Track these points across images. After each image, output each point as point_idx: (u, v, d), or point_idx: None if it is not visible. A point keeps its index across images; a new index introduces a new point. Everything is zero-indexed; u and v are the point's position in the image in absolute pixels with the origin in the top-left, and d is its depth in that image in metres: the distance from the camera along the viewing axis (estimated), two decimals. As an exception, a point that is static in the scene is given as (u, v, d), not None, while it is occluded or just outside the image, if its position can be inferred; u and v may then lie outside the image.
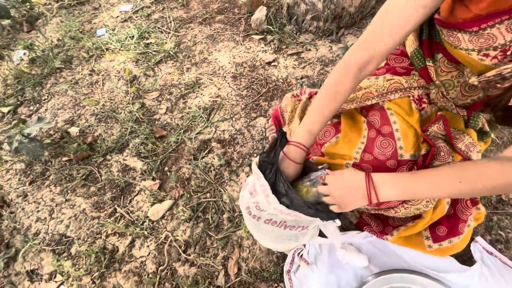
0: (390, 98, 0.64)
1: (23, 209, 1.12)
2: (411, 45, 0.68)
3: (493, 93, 0.56)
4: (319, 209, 0.61)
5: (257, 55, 1.53)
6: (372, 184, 0.55)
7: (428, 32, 0.64)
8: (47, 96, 1.54)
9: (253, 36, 1.64)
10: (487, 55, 0.50)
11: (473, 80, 0.55)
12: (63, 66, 1.67)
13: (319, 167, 0.69)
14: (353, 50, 0.56)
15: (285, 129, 0.97)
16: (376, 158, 0.63)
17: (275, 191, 0.64)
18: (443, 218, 0.69)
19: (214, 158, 1.14)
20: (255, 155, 1.13)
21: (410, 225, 0.69)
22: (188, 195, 1.05)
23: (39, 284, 0.94)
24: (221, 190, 1.05)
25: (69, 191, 1.14)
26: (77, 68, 1.65)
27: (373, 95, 0.67)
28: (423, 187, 0.52)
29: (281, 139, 0.67)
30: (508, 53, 0.47)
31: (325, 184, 0.63)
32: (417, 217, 0.69)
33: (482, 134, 0.71)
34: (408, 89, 0.64)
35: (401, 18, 0.48)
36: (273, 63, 1.48)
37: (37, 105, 1.51)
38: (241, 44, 1.62)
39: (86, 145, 1.26)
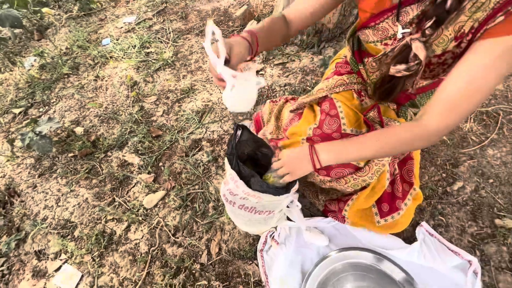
0: (336, 91, 0.80)
1: (32, 198, 1.26)
2: (347, 55, 0.84)
3: (385, 69, 0.69)
4: (277, 188, 0.75)
5: (247, 65, 1.69)
6: (314, 151, 0.68)
7: (358, 45, 0.80)
8: (56, 99, 1.69)
9: (244, 47, 1.81)
10: (386, 44, 0.66)
11: (372, 60, 0.72)
12: (70, 72, 1.83)
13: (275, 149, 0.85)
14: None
15: (263, 131, 1.13)
16: (324, 132, 0.77)
17: (241, 176, 0.78)
18: (385, 196, 0.84)
19: (203, 155, 1.29)
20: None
21: (355, 197, 0.83)
22: (179, 187, 1.19)
23: (46, 262, 1.07)
24: (208, 182, 1.19)
25: (73, 183, 1.28)
26: (83, 74, 1.81)
27: (324, 90, 0.83)
28: (353, 149, 0.65)
29: (236, 133, 0.82)
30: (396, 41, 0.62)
31: (279, 159, 0.77)
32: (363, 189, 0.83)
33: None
34: (350, 84, 0.80)
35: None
36: (260, 72, 1.64)
37: (46, 107, 1.66)
38: (232, 54, 1.78)
39: (90, 143, 1.40)
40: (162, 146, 1.35)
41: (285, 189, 0.77)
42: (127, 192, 1.22)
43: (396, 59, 0.61)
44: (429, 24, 0.52)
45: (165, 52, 1.86)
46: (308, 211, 1.05)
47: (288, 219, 0.97)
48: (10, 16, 2.01)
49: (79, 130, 1.49)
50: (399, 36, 0.59)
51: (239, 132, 0.91)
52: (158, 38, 1.98)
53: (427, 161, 1.10)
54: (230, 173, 0.80)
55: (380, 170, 0.76)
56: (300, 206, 0.83)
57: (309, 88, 1.47)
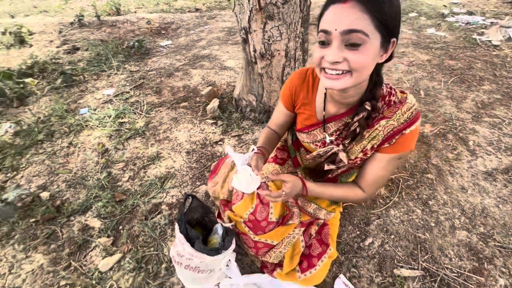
0: (271, 179, 1.07)
1: (-16, 265, 1.28)
2: (288, 141, 1.16)
3: (318, 162, 1.03)
4: (212, 249, 0.93)
5: (208, 136, 1.99)
6: (304, 185, 0.92)
7: (296, 136, 1.12)
8: (25, 164, 1.81)
9: (207, 120, 2.14)
10: (317, 145, 0.96)
11: (309, 156, 1.02)
12: (44, 139, 1.99)
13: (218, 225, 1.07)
14: (268, 125, 1.12)
15: (212, 187, 1.36)
16: (256, 219, 1.00)
17: (188, 238, 0.96)
18: (305, 257, 1.05)
19: (161, 219, 1.44)
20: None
21: (281, 269, 1.06)
22: (135, 249, 1.30)
23: (-13, 335, 1.06)
24: (163, 244, 1.32)
25: (31, 249, 1.33)
26: (57, 141, 1.98)
27: (263, 176, 1.09)
28: (323, 194, 0.95)
29: (185, 202, 1.04)
30: (326, 143, 0.94)
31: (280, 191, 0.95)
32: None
33: (333, 203, 1.14)
34: (280, 174, 1.07)
35: (277, 118, 1.07)
36: (219, 142, 1.93)
37: (14, 172, 1.76)
38: (197, 126, 2.08)
39: (54, 208, 1.50)
40: (124, 210, 1.48)
41: (219, 250, 0.96)
42: (84, 256, 1.30)
43: (327, 160, 0.95)
44: (347, 142, 0.85)
45: (137, 122, 2.12)
46: (250, 268, 1.20)
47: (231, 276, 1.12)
48: (-6, 88, 2.22)
49: (44, 195, 1.59)
50: (328, 141, 0.92)
51: (188, 201, 1.12)
52: (133, 110, 2.26)
53: (346, 220, 1.36)
54: (178, 236, 0.98)
55: (291, 242, 1.05)
56: (235, 264, 1.00)
57: (258, 157, 1.76)
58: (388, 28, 0.62)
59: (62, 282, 1.20)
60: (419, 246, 1.25)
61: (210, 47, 3.39)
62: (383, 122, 0.79)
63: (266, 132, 1.10)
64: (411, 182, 1.54)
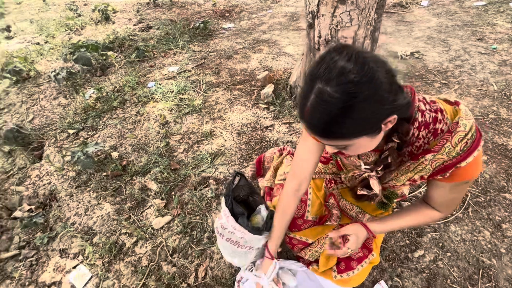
0: (313, 177, 1.04)
1: (67, 205, 1.55)
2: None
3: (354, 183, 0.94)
4: (254, 229, 0.96)
5: (260, 120, 2.01)
6: (368, 229, 0.84)
7: None
8: (102, 126, 2.09)
9: (260, 104, 2.16)
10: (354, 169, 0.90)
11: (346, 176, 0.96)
12: (118, 106, 2.26)
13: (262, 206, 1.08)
14: (288, 180, 0.91)
15: (263, 181, 1.38)
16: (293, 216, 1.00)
17: (233, 214, 1.01)
18: (344, 259, 1.01)
19: (208, 191, 1.53)
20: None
21: (317, 265, 1.02)
22: (184, 215, 1.42)
23: (66, 260, 1.30)
24: (208, 215, 1.41)
25: (101, 198, 1.56)
26: (128, 109, 2.23)
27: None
28: (390, 228, 0.85)
29: (240, 178, 1.07)
30: (361, 168, 0.85)
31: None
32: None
33: (383, 204, 1.06)
34: (324, 173, 1.04)
35: (304, 160, 0.86)
36: (269, 128, 1.94)
37: (94, 131, 2.05)
38: (250, 109, 2.12)
39: (121, 166, 1.71)
40: (177, 178, 1.62)
41: (260, 230, 0.98)
42: (142, 212, 1.47)
43: (360, 184, 0.87)
44: (379, 168, 0.76)
45: (195, 99, 2.25)
46: (286, 254, 1.22)
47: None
48: (84, 57, 2.58)
49: (115, 154, 1.82)
50: (362, 169, 0.84)
51: (237, 179, 1.17)
52: (193, 88, 2.41)
53: (396, 227, 1.26)
54: (224, 209, 1.04)
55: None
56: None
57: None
58: (368, 128, 0.55)
59: (123, 230, 1.39)
60: (481, 271, 1.10)
61: (270, 32, 3.36)
62: (429, 156, 0.65)
63: (281, 214, 0.94)
64: (482, 199, 1.34)
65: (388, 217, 0.87)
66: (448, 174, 0.66)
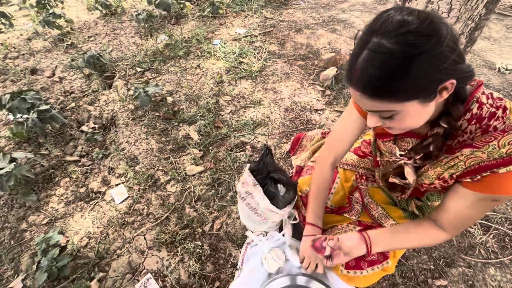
0: (345, 167, 0.99)
1: (122, 132, 1.75)
2: (371, 139, 1.01)
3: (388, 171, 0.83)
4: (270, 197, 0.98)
5: (312, 101, 1.94)
6: (370, 245, 0.79)
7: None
8: (164, 71, 2.24)
9: (316, 86, 2.06)
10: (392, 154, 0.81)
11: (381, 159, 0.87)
12: (182, 56, 2.38)
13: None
14: (324, 154, 0.91)
15: (296, 158, 1.36)
16: None
17: (266, 192, 1.03)
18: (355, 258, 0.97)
19: (243, 156, 1.58)
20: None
21: None
22: (215, 170, 1.50)
23: (112, 177, 1.51)
24: (236, 177, 1.47)
25: (150, 134, 1.72)
26: (190, 60, 2.34)
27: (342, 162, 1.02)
28: (392, 245, 0.80)
29: (267, 154, 1.07)
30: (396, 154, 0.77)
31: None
32: None
33: (413, 215, 0.97)
34: (357, 167, 0.98)
35: (344, 135, 0.84)
36: (319, 111, 1.87)
37: (157, 74, 2.21)
38: (305, 88, 2.05)
39: (172, 111, 1.85)
40: (217, 135, 1.69)
41: (275, 202, 0.99)
42: (180, 157, 1.59)
43: (394, 172, 0.78)
44: (418, 157, 0.67)
45: (254, 66, 2.25)
46: (299, 237, 1.23)
47: (281, 230, 1.18)
48: (165, 3, 2.72)
49: (169, 99, 1.96)
50: (397, 155, 0.76)
51: (266, 154, 1.17)
52: (254, 54, 2.39)
53: (424, 248, 1.16)
54: (246, 170, 1.06)
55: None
56: (297, 220, 1.03)
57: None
58: (424, 89, 0.48)
59: (160, 167, 1.53)
60: (509, 326, 0.97)
61: (350, 12, 3.08)
62: (466, 151, 0.58)
63: (317, 186, 0.90)
64: (542, 254, 1.14)
65: (382, 232, 0.80)
66: (479, 177, 0.57)
